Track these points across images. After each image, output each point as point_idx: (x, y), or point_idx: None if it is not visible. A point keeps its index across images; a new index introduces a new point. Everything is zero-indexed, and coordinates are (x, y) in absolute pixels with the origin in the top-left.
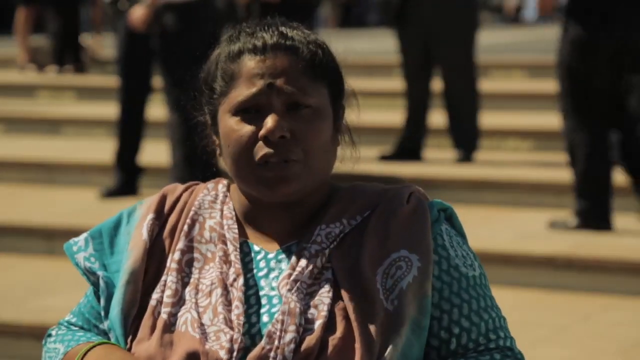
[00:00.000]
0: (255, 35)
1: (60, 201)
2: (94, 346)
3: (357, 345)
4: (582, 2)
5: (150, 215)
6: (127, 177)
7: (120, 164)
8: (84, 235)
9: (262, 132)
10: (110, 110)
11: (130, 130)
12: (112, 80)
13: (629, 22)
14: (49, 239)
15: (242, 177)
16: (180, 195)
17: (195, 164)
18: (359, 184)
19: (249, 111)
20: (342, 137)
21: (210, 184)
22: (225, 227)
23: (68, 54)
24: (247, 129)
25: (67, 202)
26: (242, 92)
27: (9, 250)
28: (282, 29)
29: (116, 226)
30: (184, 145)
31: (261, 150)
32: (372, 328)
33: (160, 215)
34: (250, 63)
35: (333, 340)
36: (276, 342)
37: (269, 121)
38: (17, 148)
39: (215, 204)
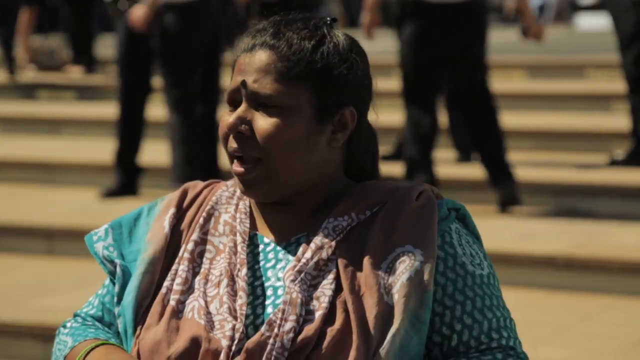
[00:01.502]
0: (256, 35)
1: (60, 201)
2: (96, 346)
3: (354, 337)
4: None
5: (172, 210)
6: (127, 177)
7: (120, 164)
8: (105, 226)
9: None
10: (110, 110)
11: (130, 130)
12: (112, 80)
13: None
14: (49, 239)
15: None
16: (201, 191)
17: (195, 164)
18: (373, 182)
19: (234, 104)
20: (341, 136)
21: (230, 182)
22: (238, 220)
23: (81, 54)
24: (225, 120)
25: (67, 202)
26: (229, 86)
27: (9, 250)
28: (281, 28)
29: (136, 218)
30: (185, 146)
31: (230, 143)
32: (370, 321)
33: (180, 209)
34: (240, 59)
35: (331, 332)
36: (275, 330)
37: (231, 117)
38: (17, 148)
39: (232, 200)
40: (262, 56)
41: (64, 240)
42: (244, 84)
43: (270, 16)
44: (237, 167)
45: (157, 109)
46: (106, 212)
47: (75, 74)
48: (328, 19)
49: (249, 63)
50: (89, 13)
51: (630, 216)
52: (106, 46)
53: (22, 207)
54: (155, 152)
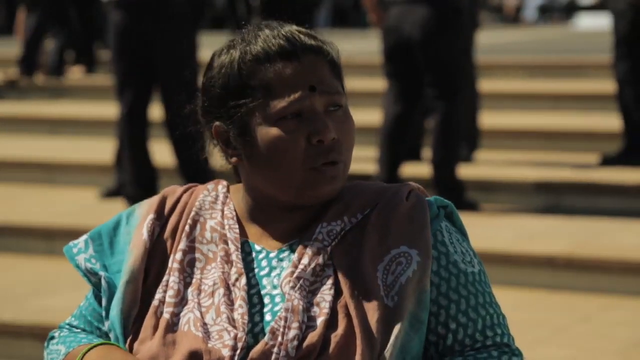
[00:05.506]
0: (278, 36)
1: (60, 201)
2: (95, 346)
3: (358, 342)
4: None
5: (151, 216)
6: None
7: (120, 164)
8: (84, 237)
9: (319, 137)
10: (110, 110)
11: None
12: (112, 80)
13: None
14: (49, 239)
15: (287, 183)
16: (180, 196)
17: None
18: (359, 183)
19: (291, 117)
20: None
21: (210, 185)
22: (227, 227)
23: (81, 54)
24: (295, 135)
25: (67, 202)
26: (283, 98)
27: (9, 250)
28: (296, 29)
29: (115, 227)
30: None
31: (318, 154)
32: (373, 324)
33: (161, 216)
34: (285, 68)
35: (335, 337)
36: (279, 339)
37: (322, 125)
38: (17, 148)
39: (216, 205)
40: (314, 61)
41: (64, 240)
42: (313, 89)
43: (273, 15)
44: (327, 170)
45: (157, 109)
46: (106, 212)
47: (75, 74)
48: None
49: (308, 71)
50: (91, 13)
51: (630, 216)
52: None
53: (22, 207)
54: (155, 152)
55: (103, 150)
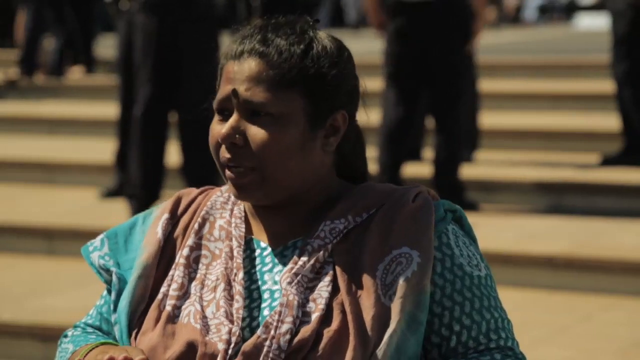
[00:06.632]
0: (243, 41)
1: (60, 201)
2: (96, 346)
3: (351, 338)
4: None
5: (165, 215)
6: (127, 177)
7: (120, 164)
8: (101, 236)
9: (217, 136)
10: (110, 110)
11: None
12: (112, 80)
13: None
14: (49, 239)
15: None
16: (195, 197)
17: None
18: (369, 184)
19: (223, 112)
20: (334, 140)
21: (224, 187)
22: (233, 225)
23: (81, 54)
24: (216, 130)
25: (67, 202)
26: (218, 95)
27: (9, 250)
28: (268, 34)
29: (131, 227)
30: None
31: (222, 153)
32: (367, 322)
33: (174, 216)
34: (228, 67)
35: (328, 333)
36: (272, 332)
37: (224, 127)
38: (17, 148)
39: (227, 205)
40: (251, 64)
41: (64, 240)
42: (235, 92)
43: (270, 16)
44: (230, 173)
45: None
46: (106, 212)
47: (75, 74)
48: (310, 20)
49: (239, 71)
50: (89, 13)
51: (630, 216)
52: (106, 46)
53: (22, 207)
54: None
55: (103, 150)
